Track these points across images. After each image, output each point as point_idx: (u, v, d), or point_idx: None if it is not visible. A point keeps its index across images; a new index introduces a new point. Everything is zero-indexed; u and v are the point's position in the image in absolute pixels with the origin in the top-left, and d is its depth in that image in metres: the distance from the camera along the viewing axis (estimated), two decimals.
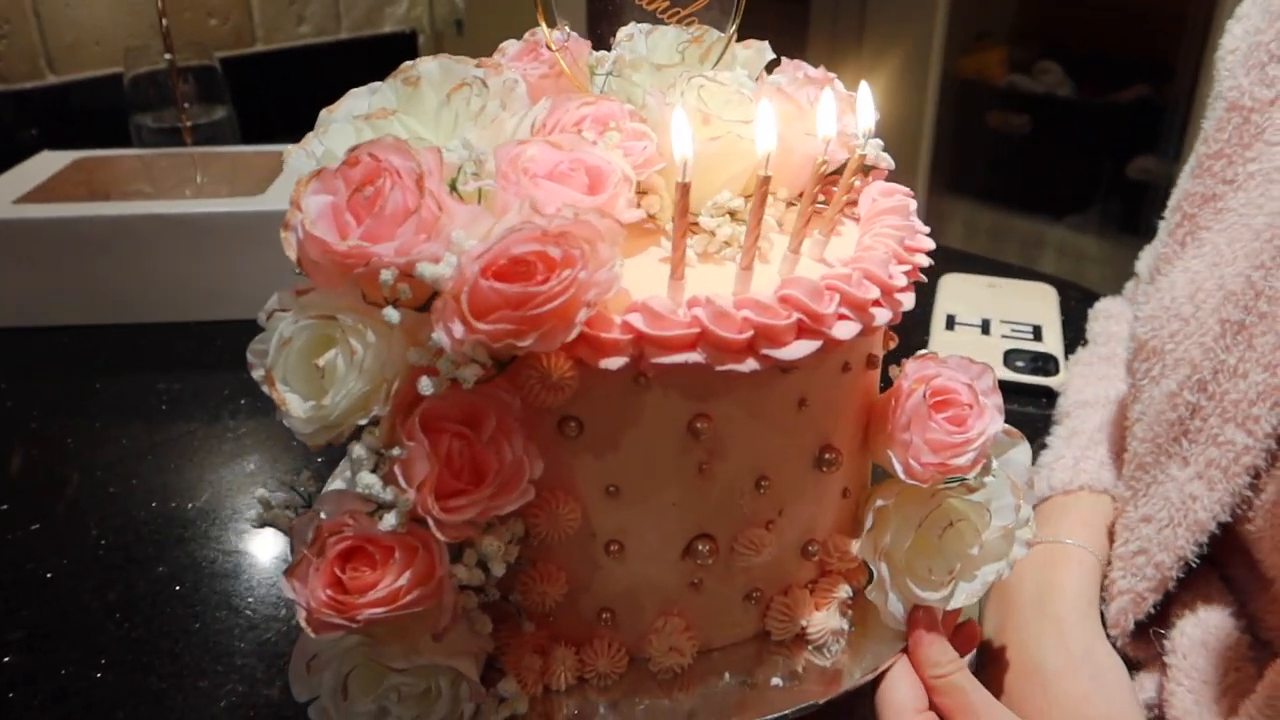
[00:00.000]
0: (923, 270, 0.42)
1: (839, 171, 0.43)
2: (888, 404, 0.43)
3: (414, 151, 0.35)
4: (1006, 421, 0.46)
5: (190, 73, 1.12)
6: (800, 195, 0.45)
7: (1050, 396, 0.75)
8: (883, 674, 0.43)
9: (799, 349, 0.36)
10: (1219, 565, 0.53)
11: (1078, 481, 0.60)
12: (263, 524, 0.38)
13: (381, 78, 0.44)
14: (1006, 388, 0.76)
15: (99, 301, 0.90)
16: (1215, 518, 0.49)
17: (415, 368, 0.35)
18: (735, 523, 0.41)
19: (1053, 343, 0.81)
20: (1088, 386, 0.68)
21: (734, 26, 0.46)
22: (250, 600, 0.57)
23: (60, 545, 0.62)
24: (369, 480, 0.35)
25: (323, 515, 0.37)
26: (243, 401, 0.77)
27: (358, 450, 0.35)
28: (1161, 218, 0.63)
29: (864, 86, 0.43)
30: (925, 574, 0.43)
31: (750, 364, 0.36)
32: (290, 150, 0.42)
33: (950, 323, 0.84)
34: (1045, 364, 0.77)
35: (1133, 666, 0.53)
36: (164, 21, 1.08)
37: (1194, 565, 0.50)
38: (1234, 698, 0.47)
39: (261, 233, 0.87)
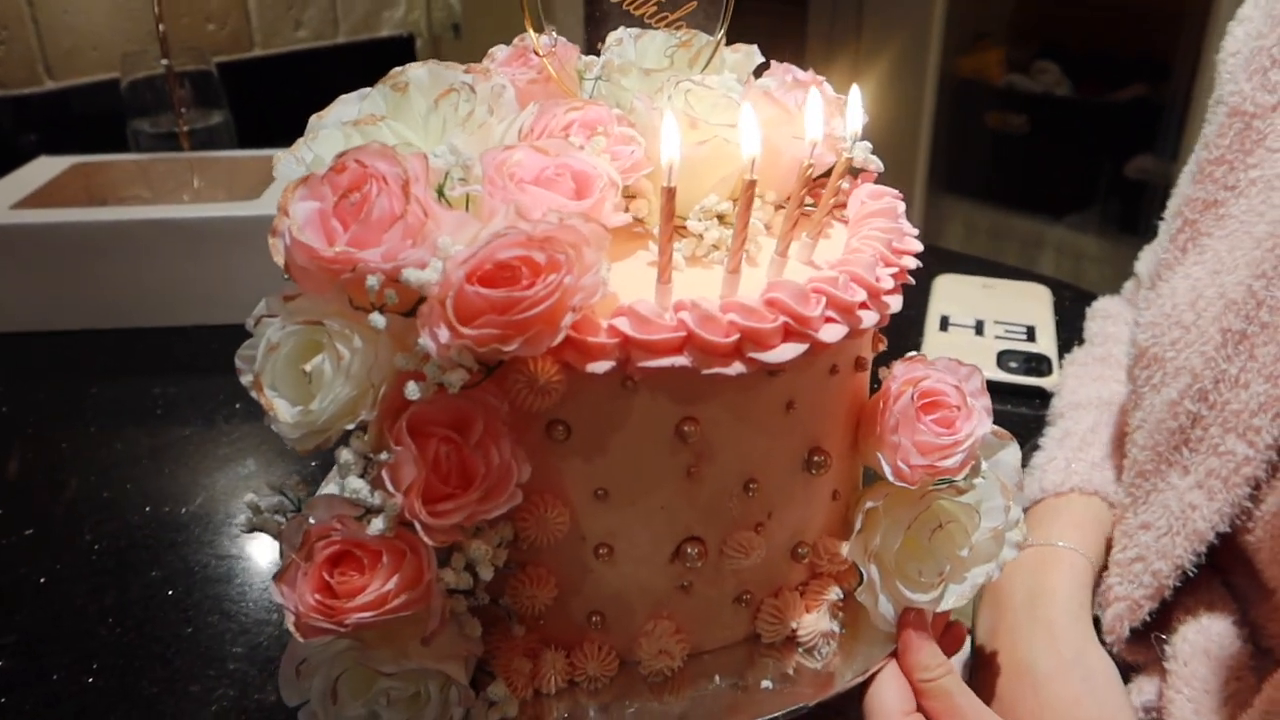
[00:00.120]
0: (918, 272, 0.42)
1: (828, 174, 0.43)
2: (877, 406, 0.43)
3: (400, 157, 0.35)
4: (1001, 422, 0.46)
5: (187, 78, 1.12)
6: (789, 198, 0.45)
7: (1044, 397, 0.76)
8: (873, 676, 0.43)
9: (785, 352, 0.36)
10: (1221, 571, 0.53)
11: (1069, 484, 0.59)
12: (252, 529, 0.38)
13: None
14: (1000, 388, 0.76)
15: (96, 306, 0.90)
16: (1214, 527, 0.49)
17: (402, 373, 0.35)
18: (724, 525, 0.41)
19: (1046, 343, 0.81)
20: (1081, 387, 0.68)
21: (722, 30, 0.46)
22: (242, 605, 0.57)
23: (54, 550, 0.62)
24: (357, 485, 0.35)
25: (311, 520, 0.37)
26: (238, 406, 0.77)
27: (345, 455, 0.36)
28: (1161, 218, 0.63)
29: (854, 90, 0.43)
30: (915, 576, 0.43)
31: (737, 367, 0.36)
32: (280, 156, 0.42)
33: (944, 324, 0.84)
34: (1038, 365, 0.78)
35: (1131, 670, 0.53)
36: (161, 27, 1.08)
37: (1191, 574, 0.50)
38: (1234, 708, 0.47)
39: (258, 237, 0.86)
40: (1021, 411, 0.75)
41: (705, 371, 0.35)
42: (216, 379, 0.80)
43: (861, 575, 0.43)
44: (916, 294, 0.89)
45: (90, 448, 0.73)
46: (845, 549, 0.44)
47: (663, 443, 0.38)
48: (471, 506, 0.35)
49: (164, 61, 1.09)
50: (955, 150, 2.29)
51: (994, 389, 0.74)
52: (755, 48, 0.50)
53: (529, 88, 0.46)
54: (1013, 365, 0.77)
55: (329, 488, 0.51)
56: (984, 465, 0.45)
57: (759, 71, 0.50)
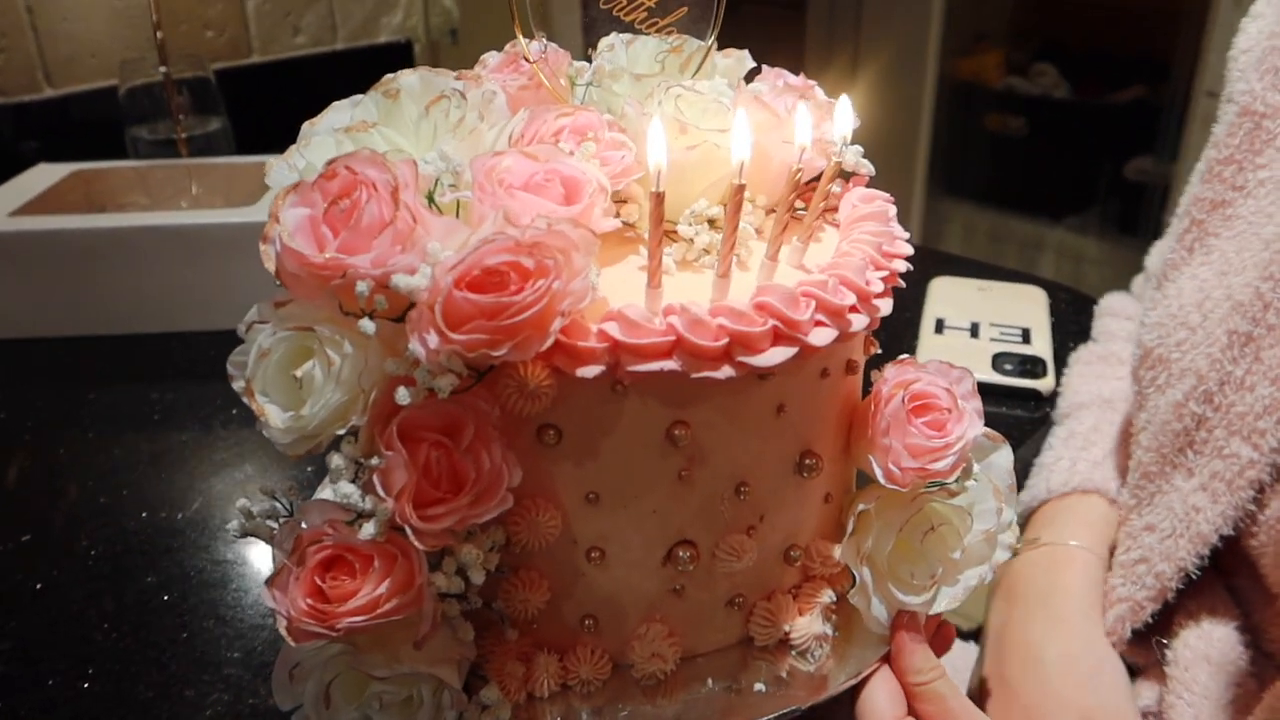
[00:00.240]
0: (913, 274, 0.43)
1: (820, 179, 0.44)
2: (868, 409, 0.43)
3: (390, 164, 0.35)
4: (996, 425, 0.46)
5: (185, 85, 1.12)
6: (779, 203, 0.45)
7: (1039, 400, 0.76)
8: (866, 679, 0.43)
9: (775, 355, 0.36)
10: (1225, 575, 0.53)
11: (1072, 483, 0.60)
12: (244, 534, 0.39)
13: None
14: (995, 391, 0.76)
15: (94, 312, 0.90)
16: (1217, 530, 0.49)
17: (393, 378, 0.35)
18: (716, 529, 0.41)
19: (1041, 345, 0.81)
20: (1084, 386, 0.69)
21: (713, 35, 0.46)
22: (238, 610, 0.57)
23: (51, 556, 0.62)
24: (348, 490, 0.35)
25: (304, 525, 0.37)
26: (234, 411, 0.77)
27: (336, 460, 0.36)
28: (1168, 217, 0.63)
29: (844, 98, 0.44)
30: (907, 578, 0.43)
31: (726, 371, 0.36)
32: (272, 163, 0.42)
33: (939, 326, 0.84)
34: (1033, 367, 0.78)
35: (1131, 672, 0.53)
36: (159, 34, 1.09)
37: (1194, 576, 0.50)
38: (1234, 715, 0.47)
39: (256, 243, 0.87)
40: (1016, 414, 0.75)
41: (695, 375, 0.35)
42: (214, 385, 0.81)
43: (854, 578, 0.44)
44: (912, 297, 0.89)
45: (88, 453, 0.73)
46: (838, 552, 0.45)
47: (653, 446, 0.38)
48: (462, 511, 0.35)
49: (162, 69, 1.09)
50: (954, 153, 2.30)
51: (989, 391, 0.75)
52: (746, 53, 0.50)
53: (520, 94, 0.46)
54: (1008, 368, 0.77)
55: (323, 493, 0.51)
56: (976, 468, 0.45)
57: (751, 76, 0.50)
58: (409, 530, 0.34)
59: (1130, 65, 2.16)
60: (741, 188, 0.37)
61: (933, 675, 0.42)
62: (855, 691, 0.43)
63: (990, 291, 0.90)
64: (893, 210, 0.45)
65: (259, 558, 0.62)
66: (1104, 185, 2.29)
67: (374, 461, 0.35)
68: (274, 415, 0.36)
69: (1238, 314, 0.50)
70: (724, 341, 0.35)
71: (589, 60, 0.50)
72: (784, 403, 0.40)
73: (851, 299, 0.38)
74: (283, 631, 0.36)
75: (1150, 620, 0.52)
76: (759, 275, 0.40)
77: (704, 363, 0.36)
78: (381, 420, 0.35)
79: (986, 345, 0.80)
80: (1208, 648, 0.49)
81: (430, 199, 0.38)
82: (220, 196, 0.97)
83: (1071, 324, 0.87)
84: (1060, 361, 0.78)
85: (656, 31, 0.46)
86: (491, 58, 0.49)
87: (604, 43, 0.49)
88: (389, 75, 0.44)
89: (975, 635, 0.70)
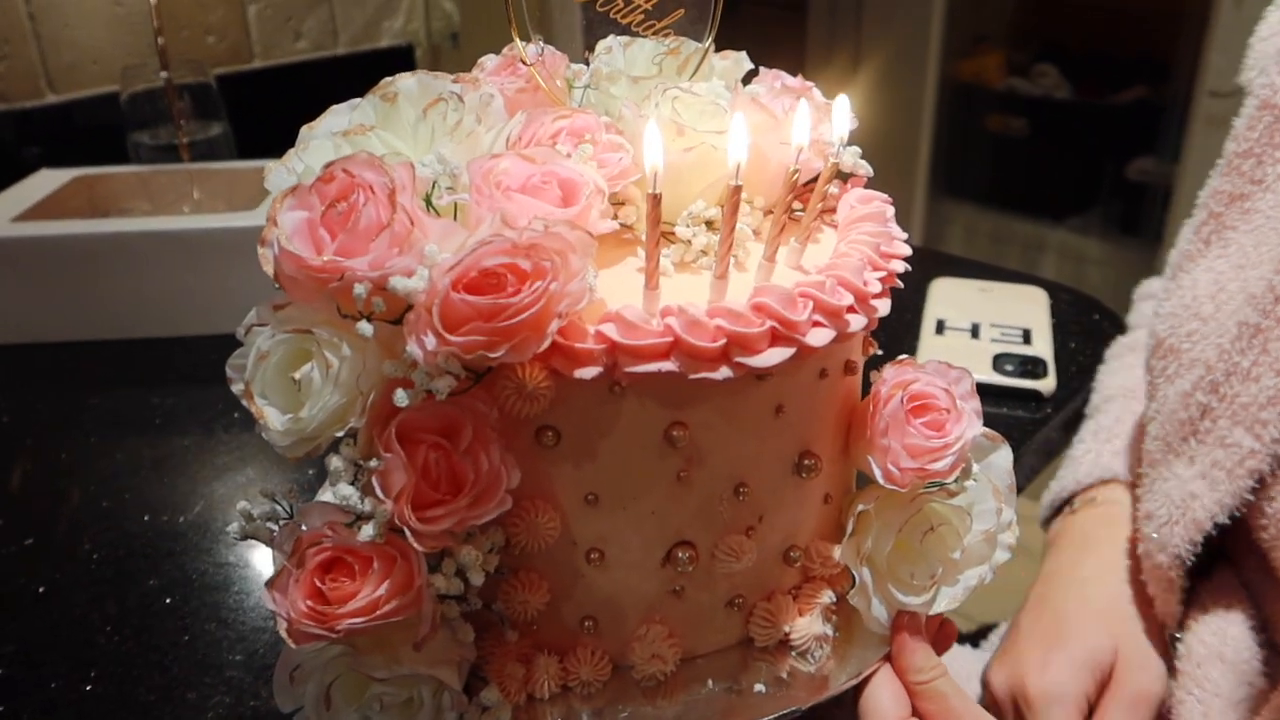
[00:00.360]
0: (914, 275, 0.43)
1: (818, 180, 0.44)
2: (866, 409, 0.43)
3: (387, 167, 0.35)
4: (996, 425, 0.46)
5: (187, 90, 1.13)
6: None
7: (1039, 400, 0.76)
8: (867, 679, 0.43)
9: (772, 356, 0.36)
10: (1236, 567, 0.53)
11: (1095, 474, 0.62)
12: (244, 536, 0.39)
13: None
14: (995, 391, 0.76)
15: (97, 317, 0.90)
16: (1213, 517, 0.49)
17: (391, 380, 0.35)
18: (715, 530, 0.41)
19: (1042, 346, 0.81)
20: (1112, 380, 0.70)
21: (710, 37, 0.46)
22: (239, 613, 0.57)
23: (54, 559, 0.62)
24: (347, 492, 0.35)
25: (303, 527, 0.37)
26: (236, 415, 0.78)
27: (335, 462, 0.36)
28: (1169, 220, 0.64)
29: (841, 99, 0.44)
30: (907, 578, 0.43)
31: (724, 371, 0.36)
32: (271, 167, 0.42)
33: (940, 327, 0.84)
34: (1034, 368, 0.77)
35: None
36: (160, 40, 1.09)
37: (1189, 564, 0.50)
38: (1244, 712, 0.47)
39: (257, 248, 0.87)
40: (1017, 414, 0.75)
41: (692, 376, 0.36)
42: (216, 388, 0.80)
43: (854, 578, 0.44)
44: (912, 297, 0.89)
45: (90, 458, 0.74)
46: (837, 552, 0.45)
47: (652, 447, 0.38)
48: (461, 512, 0.35)
49: (164, 74, 1.10)
50: (956, 154, 2.30)
51: (989, 392, 0.75)
52: (743, 54, 0.50)
53: (518, 96, 0.46)
54: (1008, 368, 0.77)
55: (324, 496, 0.52)
56: (975, 468, 0.45)
57: (749, 78, 0.50)
58: (408, 532, 0.34)
59: (1131, 66, 2.16)
60: (738, 189, 0.37)
61: (934, 674, 0.42)
62: (856, 692, 0.43)
63: (991, 292, 0.90)
64: (891, 211, 0.45)
65: (260, 561, 0.62)
66: (1106, 186, 2.29)
67: (373, 463, 0.35)
68: (273, 418, 0.36)
69: (1250, 306, 0.50)
70: (722, 342, 0.36)
71: (586, 63, 0.50)
72: (782, 403, 0.40)
73: (849, 299, 0.38)
74: (283, 633, 0.36)
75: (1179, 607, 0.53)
76: (756, 276, 0.40)
77: (702, 364, 0.36)
78: (380, 422, 0.35)
79: (987, 346, 0.80)
80: (1221, 645, 0.49)
81: (428, 201, 0.38)
82: (222, 201, 0.97)
83: (1072, 324, 0.87)
84: (1061, 362, 0.78)
85: (654, 34, 0.46)
86: (489, 61, 0.49)
87: (601, 45, 0.49)
88: (387, 79, 0.44)
89: (975, 637, 0.70)
